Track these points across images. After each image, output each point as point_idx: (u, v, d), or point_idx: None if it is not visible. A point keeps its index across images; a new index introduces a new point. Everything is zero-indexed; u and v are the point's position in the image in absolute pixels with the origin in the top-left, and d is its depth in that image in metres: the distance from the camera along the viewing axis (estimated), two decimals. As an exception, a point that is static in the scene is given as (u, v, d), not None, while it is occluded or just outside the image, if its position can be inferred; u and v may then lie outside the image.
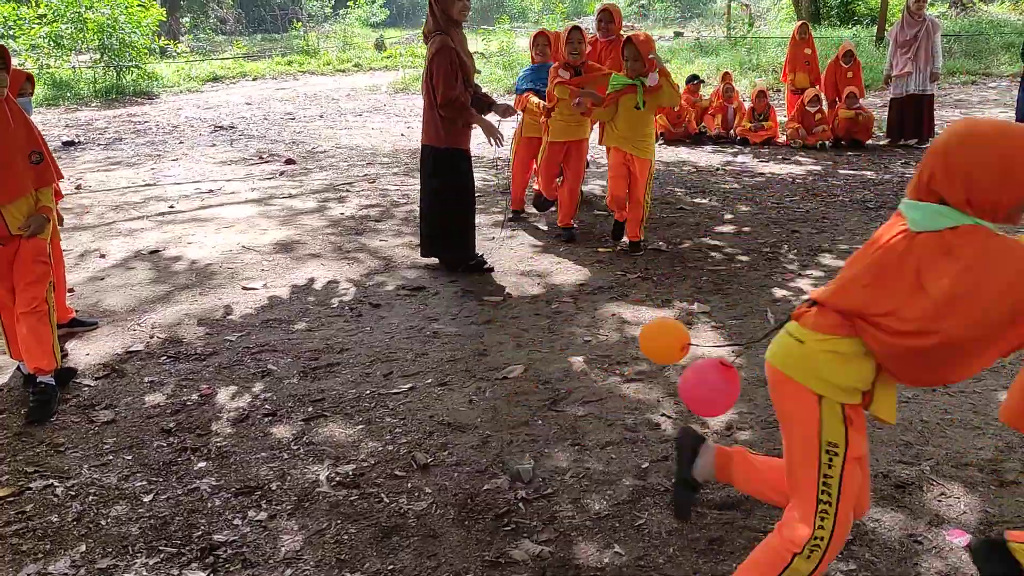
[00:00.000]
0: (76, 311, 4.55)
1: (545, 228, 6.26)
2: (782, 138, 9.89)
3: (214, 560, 2.55)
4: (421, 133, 5.12)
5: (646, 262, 5.39)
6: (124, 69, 17.44)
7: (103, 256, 5.80)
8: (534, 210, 6.49)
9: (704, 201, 7.13)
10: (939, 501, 2.73)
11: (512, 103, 5.96)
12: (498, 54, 20.81)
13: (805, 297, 2.20)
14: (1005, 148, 1.76)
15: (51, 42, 17.26)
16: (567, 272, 5.25)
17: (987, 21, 21.84)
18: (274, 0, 42.39)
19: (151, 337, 4.35)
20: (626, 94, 5.23)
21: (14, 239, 3.54)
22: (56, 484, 2.99)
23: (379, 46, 27.62)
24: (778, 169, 8.44)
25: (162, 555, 2.58)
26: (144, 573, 2.50)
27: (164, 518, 2.77)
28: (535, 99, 5.90)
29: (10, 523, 2.76)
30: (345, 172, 8.81)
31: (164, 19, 20.15)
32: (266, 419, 3.44)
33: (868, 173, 8.06)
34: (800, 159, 8.91)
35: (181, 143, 11.00)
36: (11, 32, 17.11)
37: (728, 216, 6.59)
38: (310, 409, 3.51)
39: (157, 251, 5.90)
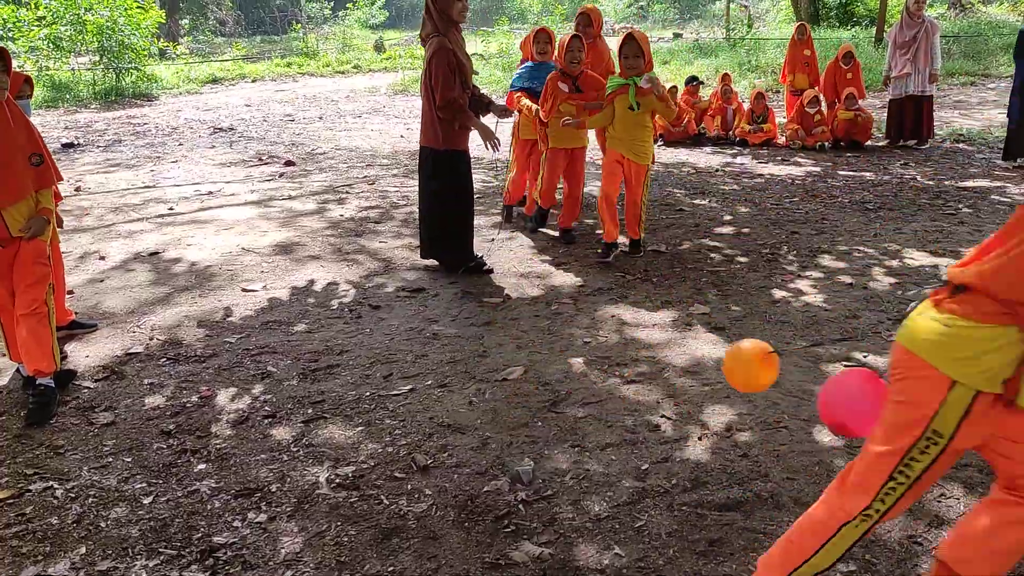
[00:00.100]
0: (76, 313, 4.55)
1: (545, 229, 6.25)
2: (781, 139, 9.90)
3: (214, 562, 2.55)
4: (420, 135, 5.11)
5: (646, 263, 5.39)
6: (123, 71, 17.45)
7: (103, 258, 5.80)
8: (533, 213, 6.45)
9: (704, 202, 7.13)
10: (939, 502, 2.73)
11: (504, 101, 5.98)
12: (497, 55, 20.84)
13: (943, 277, 1.99)
14: None
15: (50, 44, 17.27)
16: (567, 273, 5.25)
17: (986, 22, 21.87)
18: (273, 2, 42.43)
19: (151, 339, 4.35)
20: (619, 95, 5.17)
21: (14, 241, 3.54)
22: (56, 486, 2.99)
23: (378, 48, 27.64)
24: (777, 170, 8.44)
25: (162, 557, 2.58)
26: (144, 575, 2.50)
27: (164, 520, 2.77)
28: (527, 102, 5.80)
29: (10, 525, 2.76)
30: (344, 174, 8.81)
31: (163, 21, 20.16)
32: (266, 421, 3.44)
33: (867, 174, 8.06)
34: (799, 160, 8.92)
35: (180, 145, 11.00)
36: (10, 34, 17.11)
37: (727, 217, 6.60)
38: (310, 411, 3.51)
39: (157, 253, 5.90)
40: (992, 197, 6.96)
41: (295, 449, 3.21)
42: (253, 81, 20.60)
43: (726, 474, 2.93)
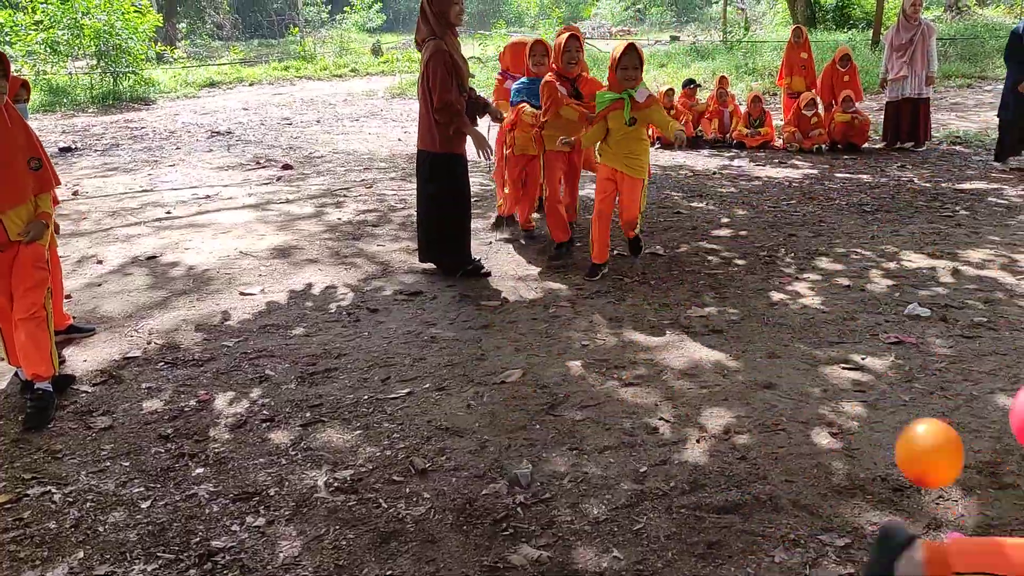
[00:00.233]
0: (73, 317, 4.55)
1: (543, 232, 6.25)
2: (778, 142, 9.91)
3: (212, 566, 2.54)
4: (417, 138, 5.12)
5: (643, 266, 5.39)
6: (121, 75, 17.46)
7: (100, 262, 5.80)
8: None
9: (701, 205, 7.14)
10: (937, 504, 2.73)
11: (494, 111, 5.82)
12: (494, 59, 20.86)
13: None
14: None
15: (48, 48, 17.29)
16: (564, 276, 5.25)
17: (982, 25, 21.93)
18: (271, 6, 42.45)
19: (149, 343, 4.35)
20: (614, 110, 4.94)
21: (13, 245, 3.54)
22: (54, 491, 2.98)
23: (376, 51, 27.67)
24: (775, 173, 8.45)
25: (160, 561, 2.57)
26: (142, 580, 2.50)
27: (162, 524, 2.76)
28: (530, 108, 5.53)
29: (8, 530, 2.76)
30: (342, 177, 8.82)
31: (161, 25, 20.20)
32: (264, 425, 3.43)
33: (865, 177, 8.07)
34: (797, 163, 8.93)
35: (178, 149, 11.00)
36: (7, 39, 17.12)
37: (725, 220, 6.60)
38: (308, 414, 3.51)
39: (154, 257, 5.89)
40: (989, 199, 6.97)
41: (293, 453, 3.20)
42: (250, 85, 20.61)
43: (724, 476, 2.93)
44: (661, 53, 20.77)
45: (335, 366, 3.99)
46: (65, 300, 4.70)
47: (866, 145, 9.54)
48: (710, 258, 5.57)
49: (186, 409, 3.59)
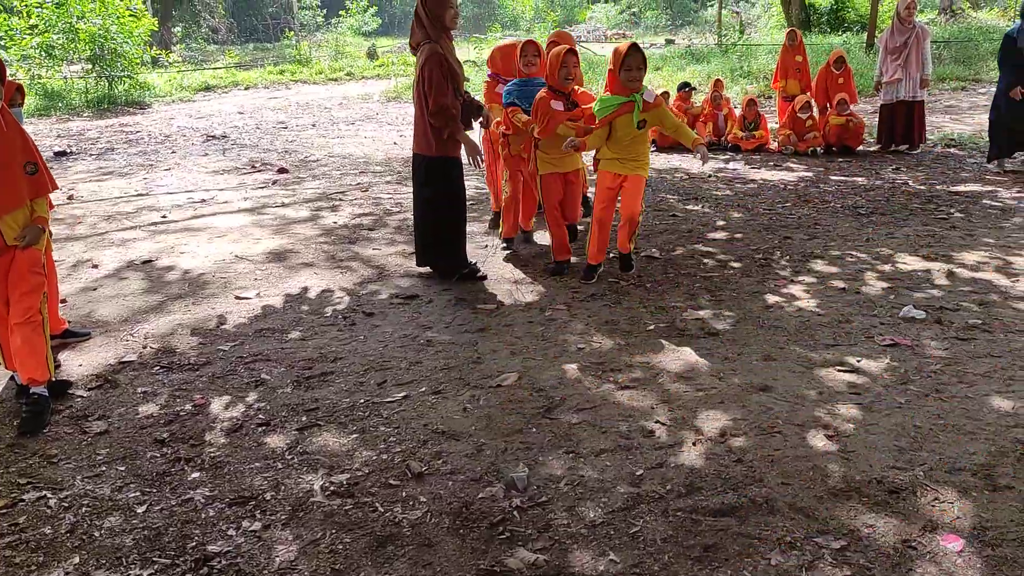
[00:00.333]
0: (69, 322, 4.54)
1: (538, 237, 6.26)
2: (773, 145, 9.93)
3: (208, 571, 2.54)
4: (412, 142, 5.12)
5: (639, 269, 5.40)
6: (116, 79, 17.45)
7: (96, 266, 5.79)
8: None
9: (696, 208, 7.15)
10: (933, 506, 2.74)
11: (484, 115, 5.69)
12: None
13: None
14: None
15: (42, 52, 17.26)
16: (560, 280, 5.25)
17: (976, 27, 22.01)
18: (266, 9, 42.45)
19: (144, 347, 4.34)
20: (622, 114, 4.77)
21: (9, 250, 3.54)
22: (49, 496, 2.98)
23: (371, 55, 27.68)
24: (770, 175, 8.47)
25: (156, 566, 2.57)
26: (138, 585, 2.49)
27: (158, 529, 2.76)
28: (523, 116, 5.33)
29: (3, 535, 2.75)
30: (338, 181, 8.81)
31: (156, 29, 20.17)
32: (260, 429, 3.43)
33: (859, 179, 8.09)
34: (792, 165, 8.95)
35: (173, 153, 10.99)
36: (2, 43, 17.10)
37: (720, 222, 6.61)
38: (304, 418, 3.51)
39: (150, 261, 5.89)
40: (984, 201, 6.99)
41: (289, 457, 3.20)
42: (246, 88, 20.60)
43: (721, 479, 2.93)
44: (656, 56, 20.81)
45: (331, 370, 3.99)
46: (60, 305, 4.69)
47: (861, 148, 9.56)
48: (706, 261, 5.58)
49: (182, 413, 3.59)
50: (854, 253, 5.62)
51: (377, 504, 2.86)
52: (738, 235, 6.21)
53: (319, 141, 11.76)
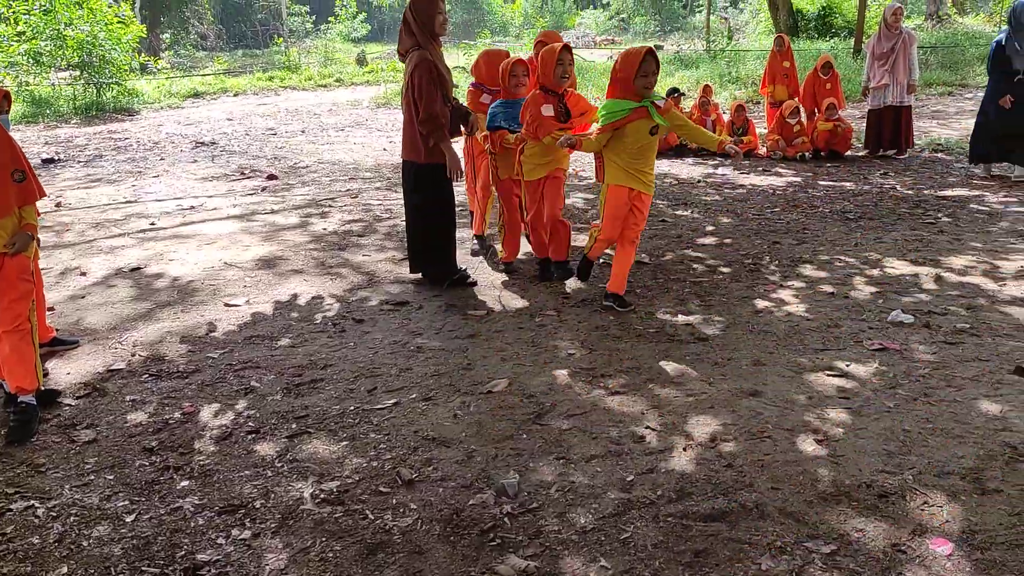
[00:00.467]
0: (57, 330, 4.51)
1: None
2: (762, 150, 9.97)
3: (198, 580, 2.52)
4: (401, 148, 5.11)
5: (629, 275, 5.39)
6: (104, 86, 17.38)
7: (84, 274, 5.76)
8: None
9: (686, 213, 7.17)
10: (922, 510, 2.75)
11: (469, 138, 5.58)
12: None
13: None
14: None
15: (30, 59, 17.18)
16: (550, 285, 5.26)
17: (962, 33, 22.16)
18: (255, 16, 42.41)
19: (133, 355, 4.32)
20: (634, 120, 4.44)
21: (-3, 257, 3.52)
22: (37, 505, 2.96)
23: (361, 61, 27.66)
24: (759, 181, 8.50)
25: (145, 575, 2.55)
26: (127, 594, 2.48)
27: (147, 538, 2.74)
28: (511, 137, 5.13)
29: (-10, 546, 2.73)
30: (327, 187, 8.80)
31: (144, 35, 20.14)
32: (249, 436, 3.42)
33: (848, 184, 8.13)
34: (780, 171, 8.99)
35: (162, 159, 10.96)
36: (-11, 50, 17.03)
37: (710, 228, 6.63)
38: (294, 426, 3.49)
39: (138, 268, 5.86)
40: (971, 206, 7.04)
41: (279, 464, 3.19)
42: (235, 95, 20.56)
43: (711, 484, 2.94)
44: (645, 62, 20.84)
45: (321, 377, 3.98)
46: (48, 313, 4.67)
47: (849, 153, 9.61)
48: (695, 266, 5.59)
49: (171, 421, 3.57)
50: (843, 258, 5.65)
51: (367, 511, 2.86)
52: (727, 240, 6.22)
53: (308, 147, 11.74)
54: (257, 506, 2.91)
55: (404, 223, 5.51)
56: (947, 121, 12.06)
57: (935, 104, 13.97)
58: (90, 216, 7.60)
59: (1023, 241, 5.91)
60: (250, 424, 3.52)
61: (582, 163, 9.30)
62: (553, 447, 3.25)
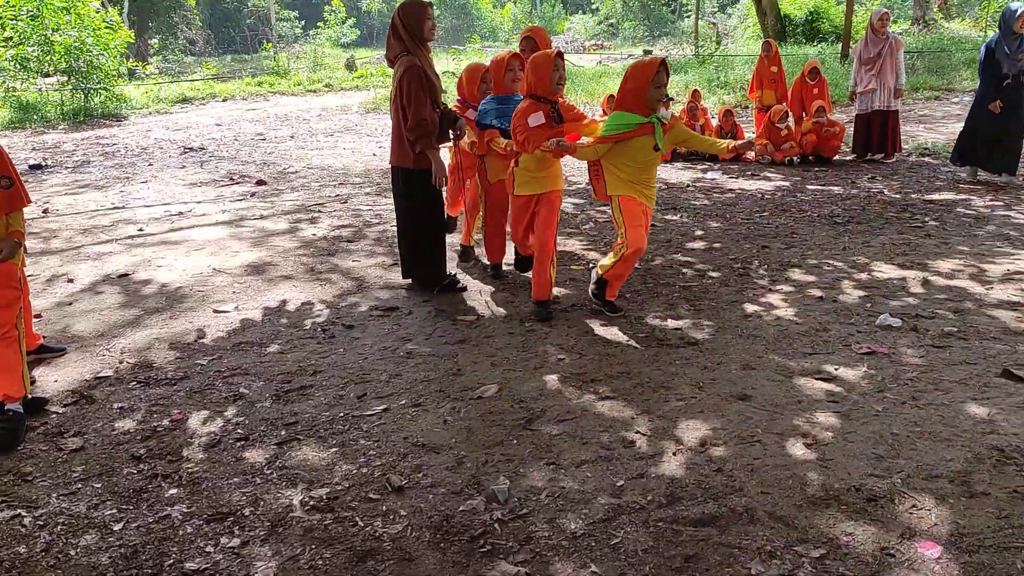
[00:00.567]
0: (44, 337, 4.48)
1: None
2: (751, 155, 10.01)
3: (186, 589, 2.51)
4: (390, 154, 5.10)
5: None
6: (92, 91, 17.30)
7: (71, 281, 5.73)
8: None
9: (675, 218, 7.18)
10: (911, 513, 2.76)
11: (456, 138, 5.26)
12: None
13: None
14: None
15: (17, 65, 17.09)
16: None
17: (948, 38, 22.34)
18: (244, 21, 42.35)
19: (121, 362, 4.30)
20: (638, 136, 4.37)
21: (-18, 264, 3.49)
22: (24, 514, 2.93)
23: (350, 66, 27.67)
24: (747, 185, 8.53)
25: (133, 585, 2.54)
26: (114, 604, 2.46)
27: (134, 547, 2.72)
28: (502, 140, 4.98)
29: (-24, 556, 2.71)
30: (317, 192, 8.79)
31: (132, 41, 20.07)
32: (238, 444, 3.40)
33: (836, 188, 8.17)
34: (769, 175, 9.02)
35: (150, 165, 10.92)
36: (-24, 56, 16.93)
37: (699, 232, 6.65)
38: (283, 433, 3.48)
39: (126, 275, 5.83)
40: (958, 210, 7.08)
41: (268, 472, 3.17)
42: (224, 100, 20.51)
43: (701, 489, 2.94)
44: (634, 67, 20.89)
45: (310, 383, 3.97)
46: (35, 320, 4.64)
47: (837, 157, 9.66)
48: (684, 271, 5.60)
49: (159, 429, 3.55)
50: (831, 262, 5.67)
51: (357, 518, 2.85)
52: (716, 245, 6.24)
53: (298, 153, 11.72)
54: (246, 514, 2.89)
55: (394, 228, 5.49)
56: (934, 125, 12.14)
57: (922, 108, 14.06)
58: (78, 222, 7.56)
59: (1009, 245, 5.95)
60: (239, 431, 3.50)
61: (572, 167, 9.30)
62: (543, 453, 3.25)
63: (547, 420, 3.52)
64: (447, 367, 4.12)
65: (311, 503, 2.94)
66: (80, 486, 3.12)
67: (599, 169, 4.61)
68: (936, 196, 7.65)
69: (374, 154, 11.41)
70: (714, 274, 5.51)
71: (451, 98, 5.25)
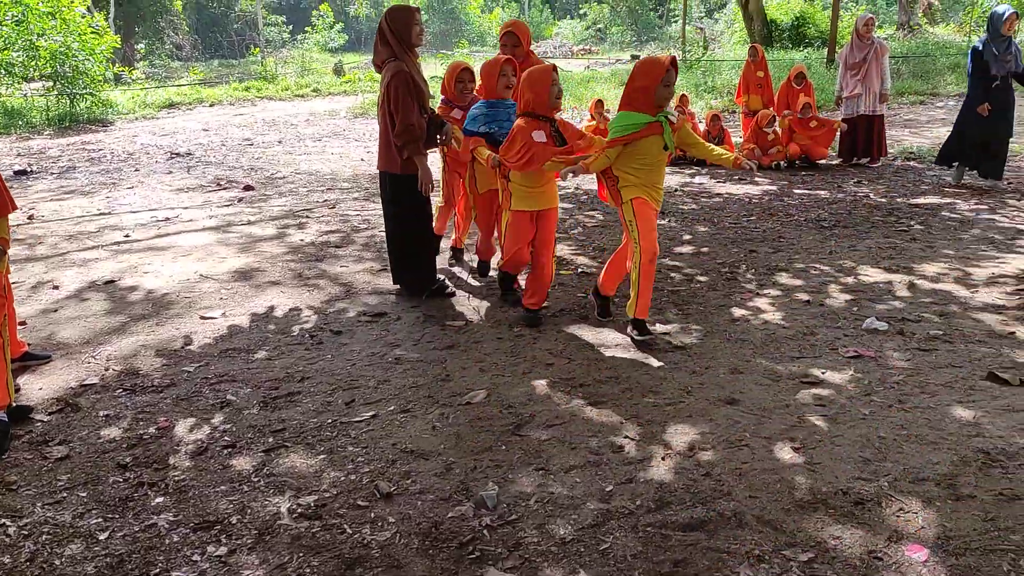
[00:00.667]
0: (29, 344, 4.45)
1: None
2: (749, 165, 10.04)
3: (173, 598, 2.49)
4: (378, 159, 5.09)
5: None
6: (78, 97, 17.20)
7: (56, 287, 5.69)
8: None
9: (663, 222, 7.20)
10: (898, 516, 2.77)
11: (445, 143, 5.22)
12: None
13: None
14: None
15: (2, 70, 16.98)
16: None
17: (933, 43, 22.51)
18: (231, 26, 42.25)
19: (106, 370, 4.27)
20: (647, 136, 4.24)
21: (-36, 272, 3.47)
22: (8, 523, 2.91)
23: (338, 71, 27.63)
24: (735, 189, 8.57)
25: (119, 594, 2.52)
26: (100, 614, 2.44)
27: (120, 556, 2.70)
28: (486, 151, 4.75)
29: (-41, 566, 2.68)
30: (305, 198, 8.76)
31: (118, 46, 19.97)
32: (226, 451, 3.38)
33: (822, 192, 8.21)
34: (756, 179, 9.05)
35: (137, 171, 10.86)
36: (-40, 60, 16.81)
37: (687, 237, 6.67)
38: (270, 440, 3.47)
39: (112, 281, 5.80)
40: (943, 214, 7.13)
41: (256, 479, 3.16)
42: (211, 105, 20.44)
43: (690, 494, 2.95)
44: (622, 72, 20.99)
45: (298, 390, 3.95)
46: (20, 327, 4.60)
47: (823, 161, 9.71)
48: (672, 275, 5.62)
49: (145, 437, 3.53)
50: (818, 266, 5.70)
51: (345, 526, 2.84)
52: (704, 249, 6.26)
53: (285, 158, 11.69)
54: (233, 522, 2.88)
55: (382, 233, 5.48)
56: (919, 130, 12.22)
57: (907, 113, 14.16)
58: (63, 228, 7.51)
59: (994, 248, 5.99)
60: (226, 438, 3.49)
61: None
62: (532, 458, 3.25)
63: (536, 425, 3.52)
64: (435, 373, 4.12)
65: (299, 510, 2.93)
66: (65, 495, 3.09)
67: (610, 173, 4.43)
68: (921, 200, 7.70)
69: (362, 159, 11.39)
70: (702, 278, 5.52)
71: (437, 100, 5.22)
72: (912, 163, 9.64)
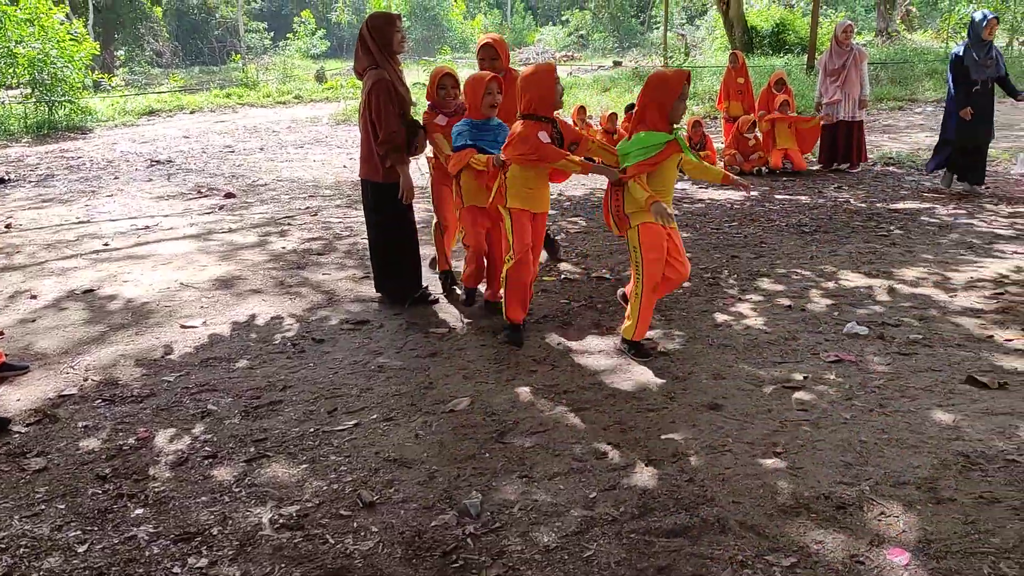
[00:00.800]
0: (6, 355, 4.40)
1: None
2: (719, 165, 10.10)
3: (153, 611, 2.47)
4: (360, 167, 5.07)
5: (590, 290, 5.43)
6: (56, 104, 17.07)
7: (34, 297, 5.63)
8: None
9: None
10: (879, 520, 2.78)
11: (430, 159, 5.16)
12: (439, 85, 20.88)
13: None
14: None
15: (-21, 77, 16.85)
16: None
17: (911, 49, 22.75)
18: (212, 32, 42.06)
19: (85, 380, 4.23)
20: (673, 154, 4.08)
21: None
22: (-16, 537, 2.87)
23: (319, 77, 27.59)
24: (716, 195, 8.61)
25: (98, 608, 2.49)
26: (78, 628, 2.41)
27: (99, 569, 2.67)
28: (482, 156, 4.55)
29: (-66, 581, 2.64)
30: (286, 205, 8.73)
31: (98, 53, 19.82)
32: (206, 461, 3.36)
33: (803, 198, 8.27)
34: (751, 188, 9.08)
35: (116, 178, 10.79)
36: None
37: (669, 243, 6.68)
38: (252, 449, 3.44)
39: (91, 290, 5.75)
40: (922, 218, 7.19)
41: (237, 490, 3.13)
42: (192, 112, 20.34)
43: (673, 500, 2.95)
44: (605, 78, 21.08)
45: (280, 399, 3.93)
46: (-3, 337, 4.55)
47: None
48: (655, 281, 5.62)
49: (125, 448, 3.49)
50: (799, 271, 5.73)
51: (328, 536, 2.82)
52: (687, 254, 6.27)
53: (267, 165, 11.65)
54: (214, 533, 2.85)
55: (365, 241, 5.46)
56: (898, 135, 12.34)
57: (886, 119, 14.28)
58: (41, 237, 7.44)
59: (972, 253, 6.05)
60: (207, 449, 3.46)
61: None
62: (516, 465, 3.24)
63: (519, 433, 3.51)
64: (419, 380, 4.10)
65: (281, 521, 2.91)
66: (43, 507, 3.05)
67: (619, 198, 4.23)
68: (901, 205, 7.76)
69: (344, 166, 11.36)
70: (684, 284, 5.53)
71: (423, 107, 5.20)
72: (891, 168, 9.72)
